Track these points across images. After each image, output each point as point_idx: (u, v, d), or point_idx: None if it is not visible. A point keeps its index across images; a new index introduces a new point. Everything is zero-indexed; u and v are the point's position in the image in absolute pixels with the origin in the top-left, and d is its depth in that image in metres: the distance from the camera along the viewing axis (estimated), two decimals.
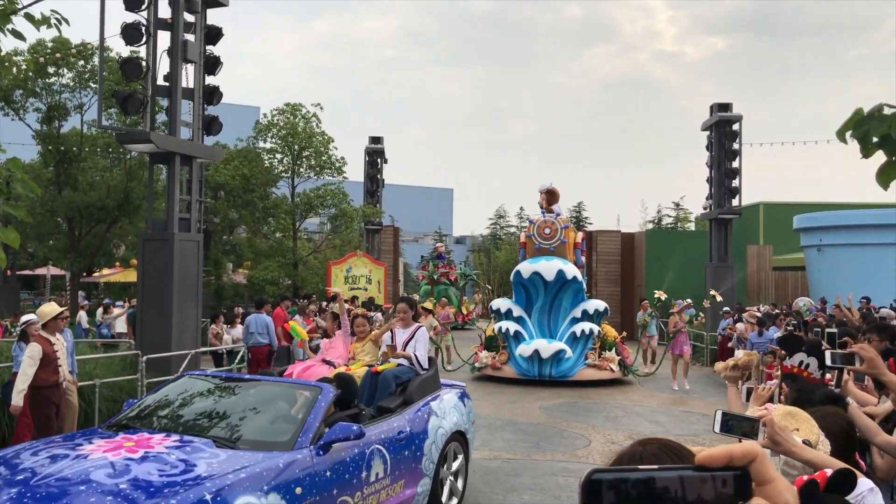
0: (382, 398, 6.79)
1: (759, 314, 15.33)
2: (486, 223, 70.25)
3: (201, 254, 13.61)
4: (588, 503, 0.80)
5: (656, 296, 17.70)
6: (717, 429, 2.53)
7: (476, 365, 16.84)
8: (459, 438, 7.36)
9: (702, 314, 19.70)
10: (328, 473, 5.17)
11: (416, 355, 7.33)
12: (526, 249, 17.38)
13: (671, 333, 16.07)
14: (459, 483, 7.38)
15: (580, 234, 18.28)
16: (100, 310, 20.96)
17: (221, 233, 25.98)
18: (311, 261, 26.81)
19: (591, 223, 52.26)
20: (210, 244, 16.03)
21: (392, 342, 7.53)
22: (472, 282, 34.23)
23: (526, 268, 16.54)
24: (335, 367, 7.42)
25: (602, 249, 28.91)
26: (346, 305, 17.45)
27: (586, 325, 16.24)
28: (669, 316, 16.39)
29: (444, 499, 6.98)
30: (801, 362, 4.76)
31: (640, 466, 0.79)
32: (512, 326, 16.50)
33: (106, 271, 28.28)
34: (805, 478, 1.97)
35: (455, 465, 7.29)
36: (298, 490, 4.80)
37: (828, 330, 5.50)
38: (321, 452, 5.18)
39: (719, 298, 17.59)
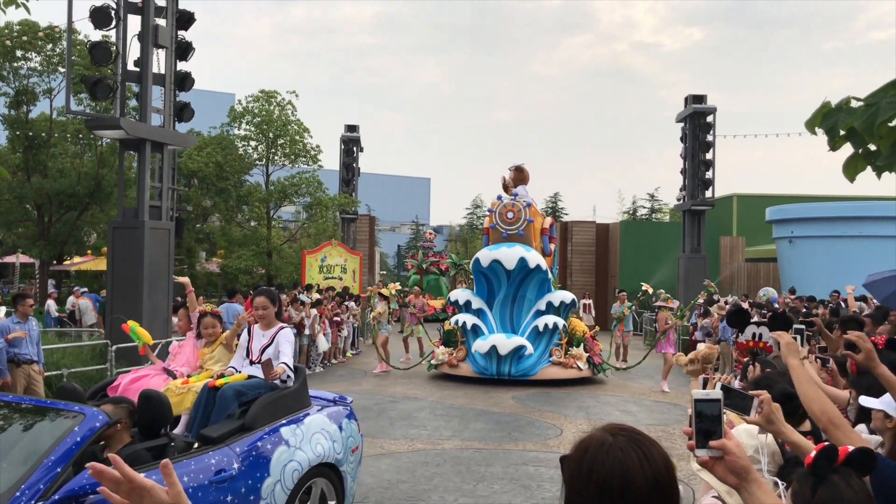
0: (219, 421, 5.26)
1: (727, 306, 15.46)
2: (464, 213, 70.27)
3: (172, 242, 13.45)
4: None
5: (643, 288, 16.58)
6: None
7: (432, 362, 15.60)
8: (328, 473, 5.70)
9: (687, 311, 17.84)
10: None
11: (286, 365, 5.78)
12: (489, 235, 15.80)
13: (661, 332, 14.90)
14: None
15: (548, 220, 16.55)
16: (71, 297, 20.70)
17: (194, 221, 25.73)
18: (285, 250, 26.64)
19: (567, 214, 52.37)
20: (182, 232, 15.81)
21: (248, 346, 5.98)
22: (463, 272, 34.06)
23: (485, 255, 15.03)
24: (175, 378, 6.02)
25: (577, 240, 29.08)
26: (317, 295, 17.45)
27: (550, 319, 14.76)
28: (656, 311, 15.18)
29: None
30: (754, 334, 4.87)
31: None
32: (469, 319, 15.06)
33: (77, 259, 27.90)
34: (825, 444, 1.98)
35: None
36: None
37: (795, 325, 5.52)
38: None
39: (713, 289, 16.31)
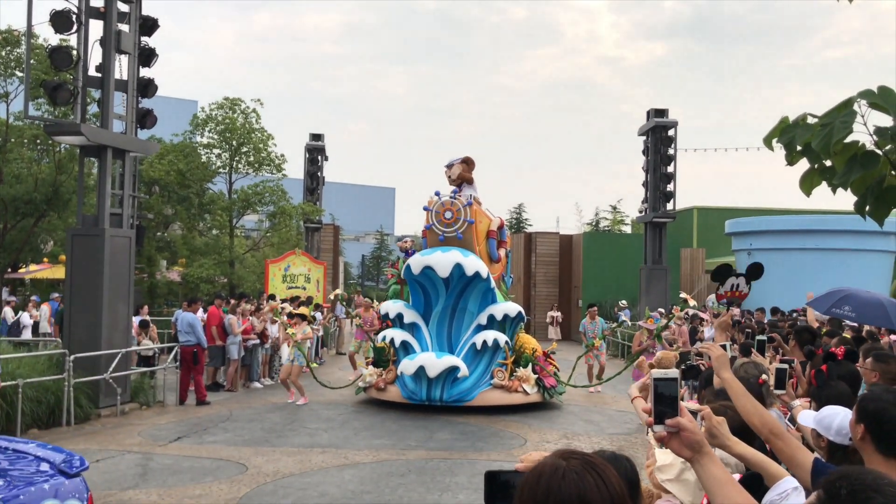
0: None
1: (686, 315, 15.68)
2: None
3: (133, 250, 13.25)
4: None
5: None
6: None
7: (360, 384, 13.75)
8: None
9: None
10: None
11: None
12: (427, 238, 13.75)
13: (635, 353, 13.66)
14: None
15: (496, 221, 14.37)
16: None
17: (155, 229, 25.36)
18: (248, 259, 26.39)
19: (531, 225, 52.80)
20: (143, 241, 15.56)
21: None
22: None
23: (417, 261, 13.03)
24: None
25: (541, 251, 29.32)
26: (280, 303, 17.17)
27: (490, 335, 12.81)
28: (631, 328, 14.32)
29: None
30: (733, 285, 5.24)
31: None
32: (399, 336, 13.20)
33: (33, 267, 27.31)
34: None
35: None
36: None
37: (758, 337, 5.66)
38: None
39: (693, 303, 14.41)
